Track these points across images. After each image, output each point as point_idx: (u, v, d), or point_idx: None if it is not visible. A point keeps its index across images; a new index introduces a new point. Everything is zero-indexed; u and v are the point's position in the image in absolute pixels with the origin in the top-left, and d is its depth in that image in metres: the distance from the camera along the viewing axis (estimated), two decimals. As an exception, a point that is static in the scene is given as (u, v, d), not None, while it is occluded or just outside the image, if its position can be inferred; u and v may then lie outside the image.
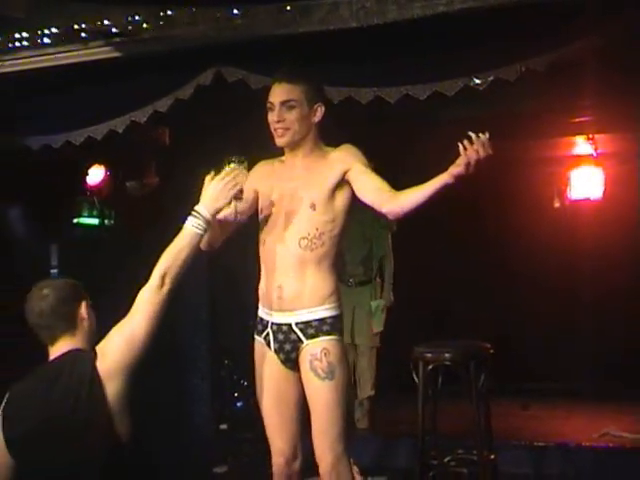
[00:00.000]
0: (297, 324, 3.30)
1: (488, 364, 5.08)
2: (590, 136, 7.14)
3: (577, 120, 6.81)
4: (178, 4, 4.74)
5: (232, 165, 3.13)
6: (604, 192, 7.44)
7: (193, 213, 3.07)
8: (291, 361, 3.35)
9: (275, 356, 3.37)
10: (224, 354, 6.71)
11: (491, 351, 5.14)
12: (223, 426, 6.53)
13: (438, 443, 4.84)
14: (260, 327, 3.43)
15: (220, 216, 3.18)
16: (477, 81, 4.78)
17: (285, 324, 3.33)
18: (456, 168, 3.02)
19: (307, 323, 3.29)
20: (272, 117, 3.32)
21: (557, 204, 7.86)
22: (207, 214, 3.07)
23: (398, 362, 5.20)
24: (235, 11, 4.67)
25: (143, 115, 5.13)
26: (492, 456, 4.67)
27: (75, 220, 6.86)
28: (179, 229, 3.05)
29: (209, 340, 6.61)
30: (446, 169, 3.06)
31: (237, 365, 6.66)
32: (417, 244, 7.44)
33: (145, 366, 6.29)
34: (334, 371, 3.25)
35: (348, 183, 3.31)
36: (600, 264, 7.57)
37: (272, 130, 3.34)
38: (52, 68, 5.12)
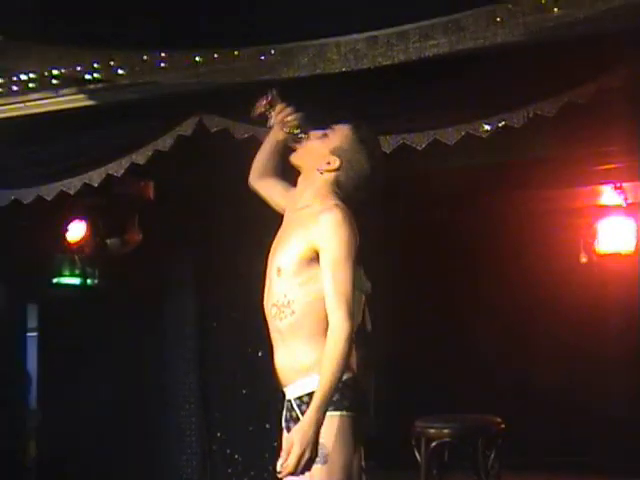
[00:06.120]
0: (295, 399, 3.13)
1: (499, 440, 4.93)
2: (618, 185, 7.02)
3: (603, 167, 6.69)
4: (154, 49, 4.72)
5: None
6: (637, 245, 7.23)
7: None
8: None
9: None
10: (216, 426, 6.60)
11: (502, 425, 4.99)
12: (214, 507, 6.42)
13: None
14: None
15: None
16: (487, 127, 4.71)
17: (288, 400, 3.18)
18: None
19: (300, 398, 3.10)
20: None
21: (584, 259, 7.65)
22: None
23: (399, 436, 5.06)
24: (215, 55, 4.65)
25: (120, 168, 5.03)
26: None
27: (55, 280, 6.81)
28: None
29: (199, 412, 6.48)
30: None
31: (230, 438, 6.55)
32: (426, 308, 7.32)
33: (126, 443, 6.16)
34: (327, 454, 2.98)
35: None
36: (633, 326, 7.38)
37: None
38: (21, 117, 5.08)
